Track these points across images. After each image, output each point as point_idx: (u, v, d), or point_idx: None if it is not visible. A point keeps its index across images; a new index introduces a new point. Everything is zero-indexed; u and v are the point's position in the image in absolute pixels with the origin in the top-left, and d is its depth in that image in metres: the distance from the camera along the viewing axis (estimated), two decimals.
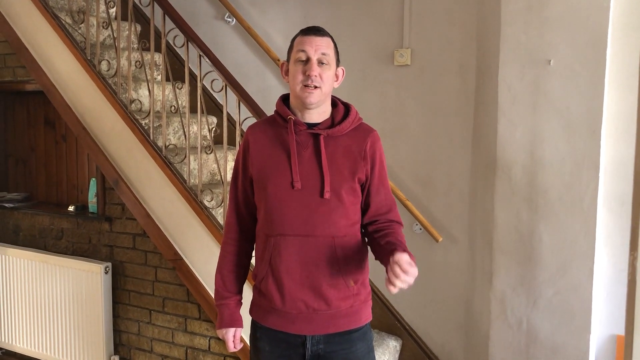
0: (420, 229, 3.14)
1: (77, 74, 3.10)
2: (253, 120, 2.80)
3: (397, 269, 1.48)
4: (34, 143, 3.81)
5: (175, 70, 3.46)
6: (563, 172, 2.71)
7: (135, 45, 3.48)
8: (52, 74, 3.20)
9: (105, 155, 3.05)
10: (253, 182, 1.77)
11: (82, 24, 3.24)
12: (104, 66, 3.13)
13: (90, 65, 3.06)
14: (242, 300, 1.89)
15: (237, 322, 1.84)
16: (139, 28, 3.46)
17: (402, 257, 1.49)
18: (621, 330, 2.71)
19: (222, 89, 2.81)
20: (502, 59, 2.78)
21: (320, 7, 3.42)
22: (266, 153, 1.73)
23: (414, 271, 1.50)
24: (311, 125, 1.72)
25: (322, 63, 1.67)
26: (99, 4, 3.32)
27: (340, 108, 1.77)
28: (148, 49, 3.02)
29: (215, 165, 3.16)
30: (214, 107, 3.57)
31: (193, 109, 3.48)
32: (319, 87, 1.66)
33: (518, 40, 2.75)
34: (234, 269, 1.86)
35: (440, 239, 3.08)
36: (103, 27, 3.17)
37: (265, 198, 1.71)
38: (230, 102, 2.92)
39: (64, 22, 3.19)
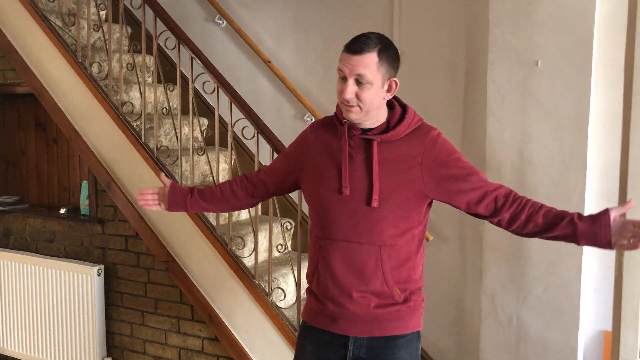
0: None
1: (68, 76, 3.10)
2: (245, 122, 2.82)
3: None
4: (24, 146, 3.79)
5: (167, 72, 3.46)
6: (551, 171, 2.75)
7: (127, 48, 3.48)
8: (43, 76, 3.20)
9: (97, 157, 3.05)
10: (302, 180, 1.79)
11: (73, 27, 3.24)
12: (95, 69, 3.13)
13: (81, 67, 3.07)
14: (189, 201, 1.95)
15: (171, 193, 1.95)
16: (130, 30, 3.47)
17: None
18: (609, 326, 2.75)
19: (213, 90, 2.82)
20: (491, 60, 2.82)
21: (311, 9, 3.45)
22: (322, 154, 1.73)
23: None
24: (366, 130, 1.67)
25: (360, 83, 1.58)
26: (89, 7, 3.33)
27: (397, 111, 1.70)
28: (139, 51, 3.02)
29: (207, 167, 3.17)
30: (205, 109, 3.58)
31: (185, 111, 3.49)
32: (358, 106, 1.60)
33: (506, 42, 2.78)
34: (211, 188, 1.96)
35: (431, 238, 3.12)
36: (94, 29, 3.17)
37: (315, 200, 1.73)
38: (222, 104, 2.93)
39: (54, 24, 3.19)
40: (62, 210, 3.39)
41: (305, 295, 1.84)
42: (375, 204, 1.62)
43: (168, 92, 3.05)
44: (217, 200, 1.94)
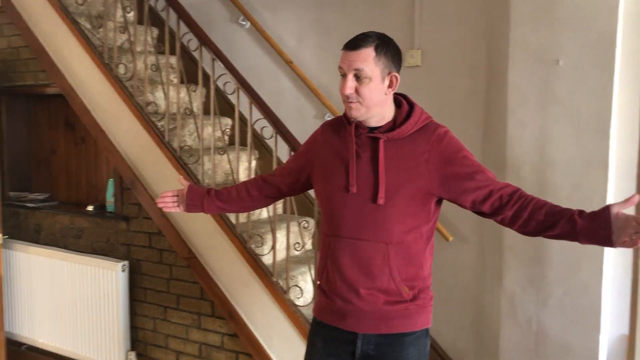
0: None
1: (95, 77, 3.18)
2: (264, 122, 2.86)
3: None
4: (55, 145, 3.92)
5: (191, 73, 3.53)
6: (572, 171, 2.72)
7: (152, 49, 3.56)
8: (72, 77, 3.29)
9: (122, 156, 3.14)
10: (313, 179, 1.83)
11: (100, 29, 3.32)
12: (121, 69, 3.21)
13: (107, 68, 3.15)
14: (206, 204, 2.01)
15: (188, 195, 2.01)
16: (155, 32, 3.55)
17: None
18: None
19: (234, 91, 2.87)
20: (511, 59, 2.80)
21: (332, 9, 3.47)
22: (330, 153, 1.76)
23: None
24: (372, 129, 1.69)
25: (359, 77, 1.60)
26: (116, 10, 3.42)
27: (404, 109, 1.70)
28: (164, 52, 3.09)
29: (228, 166, 3.22)
30: (228, 109, 3.63)
31: (208, 111, 3.55)
32: (358, 102, 1.63)
33: (527, 41, 2.76)
34: (227, 189, 2.01)
35: (451, 239, 3.11)
36: (120, 31, 3.25)
37: (323, 198, 1.76)
38: (243, 104, 2.98)
39: (83, 27, 3.29)
40: (90, 208, 3.49)
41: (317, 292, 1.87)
42: (381, 201, 1.64)
43: (190, 92, 3.11)
44: (233, 201, 1.99)
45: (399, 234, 1.66)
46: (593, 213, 1.50)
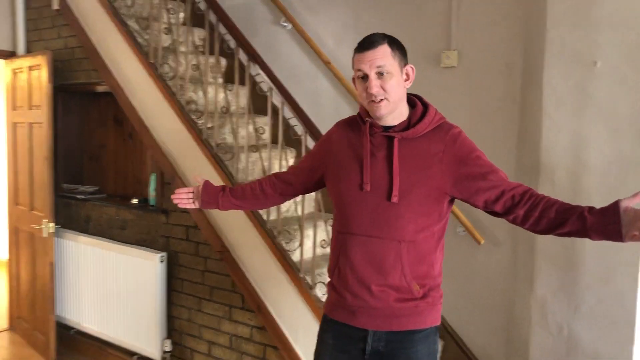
0: (464, 231, 3.14)
1: (141, 76, 3.34)
2: (294, 121, 2.93)
3: None
4: (104, 140, 4.13)
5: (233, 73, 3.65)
6: (608, 176, 2.64)
7: (202, 49, 3.69)
8: (120, 76, 3.47)
9: (163, 152, 3.28)
10: (326, 177, 1.86)
11: (147, 30, 3.48)
12: (165, 69, 3.35)
13: (152, 68, 3.30)
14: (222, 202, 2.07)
15: (203, 191, 2.06)
16: (203, 33, 3.68)
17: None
18: None
19: (267, 91, 2.94)
20: (547, 60, 2.75)
21: (370, 10, 3.49)
22: (344, 152, 1.79)
23: None
24: (387, 128, 1.72)
25: (381, 74, 1.64)
26: (164, 12, 3.56)
27: (418, 109, 1.74)
28: (208, 53, 3.21)
29: (266, 164, 3.30)
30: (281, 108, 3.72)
31: (256, 110, 3.65)
32: (385, 99, 1.65)
33: (564, 42, 2.70)
34: (242, 186, 2.06)
35: (482, 242, 3.07)
36: (164, 32, 3.39)
37: (337, 196, 1.80)
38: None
39: (131, 28, 3.45)
40: (134, 201, 3.66)
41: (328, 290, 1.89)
42: (395, 199, 1.66)
43: (227, 92, 3.21)
44: (247, 198, 2.03)
45: (412, 232, 1.68)
46: (602, 209, 1.49)
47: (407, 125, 1.71)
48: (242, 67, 3.37)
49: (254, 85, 3.40)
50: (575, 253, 2.73)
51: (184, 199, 2.10)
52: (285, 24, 3.82)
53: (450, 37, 3.16)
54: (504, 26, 3.03)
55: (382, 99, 1.65)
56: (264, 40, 3.97)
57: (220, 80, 3.62)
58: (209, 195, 2.06)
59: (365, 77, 1.66)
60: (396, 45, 1.68)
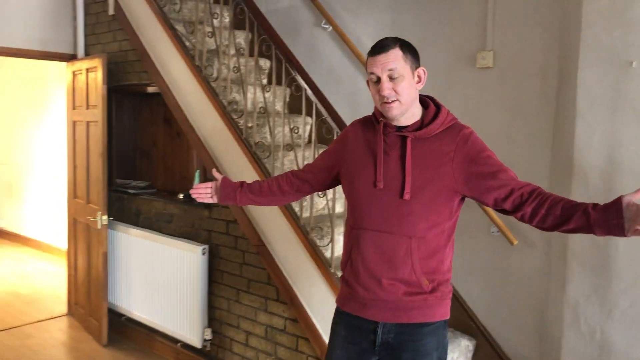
0: (497, 231, 3.15)
1: (187, 77, 3.52)
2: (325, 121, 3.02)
3: None
4: (155, 138, 4.36)
5: (278, 75, 3.78)
6: None
7: (245, 52, 3.84)
8: (168, 77, 3.67)
9: (206, 150, 3.44)
10: (342, 175, 1.94)
11: (193, 34, 3.66)
12: (208, 71, 3.52)
13: (197, 70, 3.47)
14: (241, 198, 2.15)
15: (222, 187, 2.14)
16: (243, 37, 3.83)
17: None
18: None
19: (301, 92, 3.05)
20: (582, 61, 2.73)
21: (408, 12, 3.54)
22: (359, 151, 1.87)
23: None
24: (400, 128, 1.78)
25: (393, 77, 1.71)
26: (209, 16, 3.74)
27: (431, 110, 1.80)
28: (251, 55, 3.35)
29: (300, 162, 3.41)
30: (310, 109, 3.83)
31: (292, 110, 3.78)
32: (397, 100, 1.72)
33: (599, 42, 2.68)
34: (259, 182, 2.14)
35: (515, 242, 3.07)
36: (208, 36, 3.56)
37: (351, 193, 1.88)
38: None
39: (179, 32, 3.64)
40: (180, 196, 3.85)
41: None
42: (407, 196, 1.73)
43: (275, 91, 3.34)
44: (264, 194, 2.11)
45: (423, 229, 1.74)
46: (606, 205, 1.52)
47: (420, 125, 1.77)
48: (281, 69, 3.50)
49: (292, 86, 3.51)
50: (608, 256, 2.70)
51: (202, 193, 2.18)
52: (325, 26, 3.92)
53: (486, 37, 3.17)
54: (539, 27, 3.01)
55: (394, 101, 1.71)
56: (306, 42, 4.08)
57: (264, 81, 3.77)
58: (227, 190, 2.14)
59: (378, 80, 1.73)
60: (408, 49, 1.74)
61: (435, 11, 3.41)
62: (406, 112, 1.76)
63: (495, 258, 3.23)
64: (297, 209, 3.06)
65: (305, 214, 3.09)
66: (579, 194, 2.74)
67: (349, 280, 1.88)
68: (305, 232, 2.97)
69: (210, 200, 2.19)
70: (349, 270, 1.87)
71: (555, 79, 2.97)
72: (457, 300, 3.35)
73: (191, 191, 2.21)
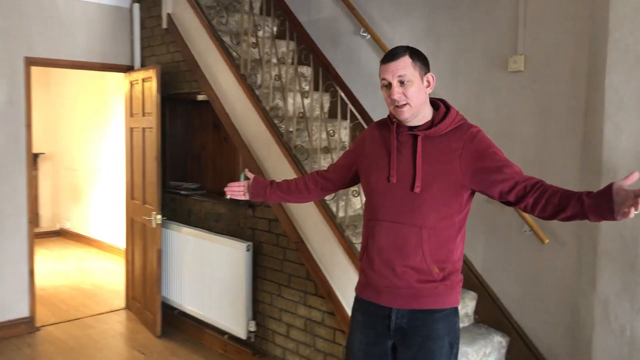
0: (529, 230, 3.22)
1: (232, 85, 3.76)
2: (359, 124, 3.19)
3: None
4: (204, 143, 4.64)
5: (316, 81, 3.98)
6: None
7: (290, 60, 4.07)
8: (216, 85, 3.93)
9: (250, 152, 3.67)
10: (360, 171, 2.12)
11: (238, 44, 3.91)
12: (253, 79, 3.75)
13: (242, 78, 3.71)
14: (272, 195, 2.34)
15: (254, 185, 2.33)
16: (284, 47, 4.05)
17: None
18: None
19: (337, 98, 3.24)
20: (609, 63, 2.79)
21: (442, 19, 3.67)
22: (375, 149, 2.04)
23: None
24: (412, 128, 1.93)
25: (403, 82, 1.86)
26: (253, 28, 3.98)
27: (441, 110, 1.94)
28: (301, 64, 3.55)
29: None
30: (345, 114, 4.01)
31: (334, 115, 3.96)
32: (407, 104, 1.87)
33: (626, 44, 2.74)
34: (288, 181, 2.33)
35: (547, 241, 3.14)
36: (252, 47, 3.80)
37: (368, 187, 2.06)
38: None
39: (226, 44, 3.90)
40: (227, 196, 4.07)
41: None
42: (417, 189, 1.88)
43: (312, 97, 3.54)
44: (292, 192, 2.30)
45: (433, 220, 1.89)
46: (598, 191, 1.63)
47: (431, 124, 1.92)
48: (318, 76, 3.69)
49: (329, 92, 3.70)
50: (637, 254, 2.74)
51: (235, 191, 2.37)
52: (364, 34, 4.09)
53: (517, 42, 3.26)
54: (569, 31, 3.08)
55: (404, 104, 1.87)
56: (346, 49, 4.27)
57: (307, 88, 3.97)
58: (258, 189, 2.33)
59: (389, 85, 1.89)
60: (417, 57, 1.90)
61: (469, 18, 3.52)
62: (417, 114, 1.91)
63: (528, 257, 3.30)
64: (333, 208, 3.24)
65: (341, 214, 3.26)
66: None
67: (365, 269, 2.04)
68: (341, 230, 3.14)
69: (242, 197, 2.37)
70: (365, 259, 2.03)
71: (584, 81, 3.03)
72: (491, 298, 3.44)
73: (226, 189, 2.39)
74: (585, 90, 3.04)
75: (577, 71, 3.06)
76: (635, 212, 1.51)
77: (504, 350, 3.36)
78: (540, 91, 3.21)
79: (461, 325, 3.42)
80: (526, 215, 3.19)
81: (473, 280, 3.51)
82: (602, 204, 1.59)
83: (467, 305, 3.45)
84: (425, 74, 1.91)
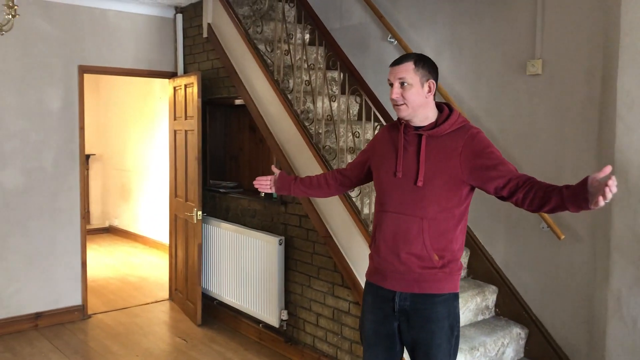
0: (547, 227, 3.36)
1: (267, 90, 4.03)
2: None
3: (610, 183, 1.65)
4: (242, 144, 4.94)
5: (351, 86, 4.20)
6: None
7: (321, 65, 4.31)
8: (251, 90, 4.20)
9: (283, 153, 3.93)
10: (372, 168, 2.34)
11: (272, 52, 4.17)
12: (286, 84, 4.01)
13: (276, 84, 3.97)
14: (293, 187, 2.58)
15: (279, 179, 2.57)
16: (315, 54, 4.29)
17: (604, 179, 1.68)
18: None
19: (361, 102, 3.45)
20: (621, 66, 2.93)
21: (465, 25, 3.84)
22: (385, 147, 2.27)
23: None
24: (418, 128, 2.14)
25: (403, 84, 2.07)
26: (285, 36, 4.24)
27: (445, 112, 2.14)
28: (330, 69, 3.78)
29: None
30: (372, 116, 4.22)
31: (358, 117, 4.18)
32: (404, 104, 2.09)
33: (636, 48, 2.86)
34: (310, 177, 2.57)
35: (563, 237, 3.27)
36: (284, 54, 4.06)
37: (378, 182, 2.29)
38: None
39: (262, 52, 4.17)
40: (262, 194, 4.36)
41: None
42: (420, 183, 2.09)
43: (340, 100, 3.77)
44: (314, 187, 2.55)
45: (433, 211, 2.09)
46: (575, 184, 1.79)
47: (434, 125, 2.13)
48: (345, 81, 3.92)
49: (354, 96, 3.92)
50: None
51: (263, 184, 2.62)
52: (391, 40, 4.29)
53: (535, 47, 3.41)
54: (585, 35, 3.21)
55: (401, 104, 2.10)
56: (374, 54, 4.48)
57: (336, 92, 4.20)
58: (283, 183, 2.58)
59: (392, 86, 2.12)
60: (422, 64, 2.10)
61: (489, 24, 3.69)
62: (414, 115, 2.11)
63: (545, 252, 3.44)
64: (358, 204, 3.46)
65: (366, 211, 3.48)
66: (620, 191, 2.91)
67: (373, 256, 2.26)
68: (365, 225, 3.36)
69: (269, 190, 2.63)
70: (374, 247, 2.25)
71: (599, 84, 3.16)
72: (511, 291, 3.59)
73: (254, 182, 2.65)
74: (599, 93, 3.16)
75: (592, 74, 3.19)
76: (605, 202, 1.67)
77: (522, 342, 3.50)
78: (557, 94, 3.35)
79: (482, 317, 3.61)
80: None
81: (494, 275, 3.67)
82: (579, 194, 1.76)
83: (487, 299, 3.61)
84: (427, 80, 2.10)
